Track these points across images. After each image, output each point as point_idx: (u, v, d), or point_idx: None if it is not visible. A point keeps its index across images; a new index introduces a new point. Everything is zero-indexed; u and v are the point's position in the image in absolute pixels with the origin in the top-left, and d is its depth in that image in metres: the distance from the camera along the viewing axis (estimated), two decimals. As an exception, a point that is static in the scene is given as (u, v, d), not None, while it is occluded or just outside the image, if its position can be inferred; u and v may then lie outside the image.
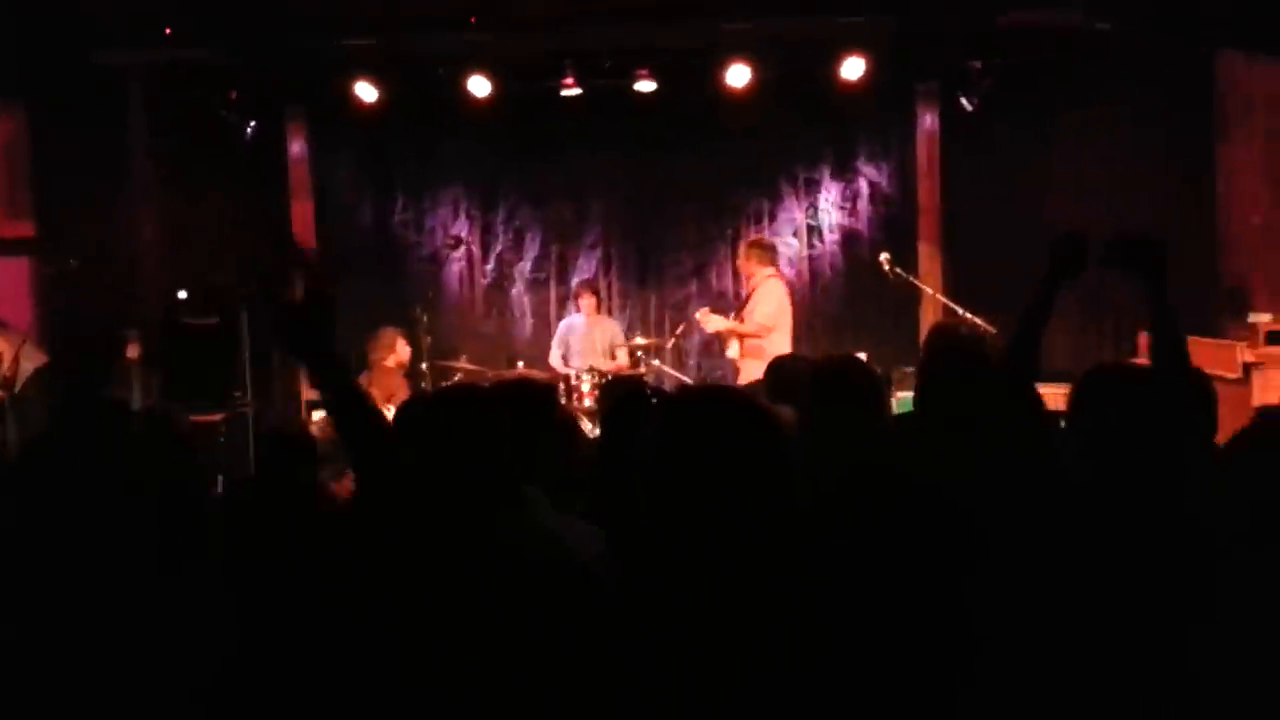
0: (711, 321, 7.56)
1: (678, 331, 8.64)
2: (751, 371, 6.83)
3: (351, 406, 2.38)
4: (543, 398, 3.04)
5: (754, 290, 7.44)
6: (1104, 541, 2.28)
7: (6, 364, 7.41)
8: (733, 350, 7.48)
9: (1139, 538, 2.24)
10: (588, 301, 8.48)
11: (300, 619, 2.35)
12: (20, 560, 2.45)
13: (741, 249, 7.89)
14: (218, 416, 7.71)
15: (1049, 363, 3.89)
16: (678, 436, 2.01)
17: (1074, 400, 2.51)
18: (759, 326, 7.21)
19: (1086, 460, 2.44)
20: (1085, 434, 2.47)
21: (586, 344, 8.36)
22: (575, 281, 9.09)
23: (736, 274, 9.37)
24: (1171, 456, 2.39)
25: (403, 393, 6.89)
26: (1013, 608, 2.21)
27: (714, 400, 2.09)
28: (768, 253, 7.62)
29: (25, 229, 8.55)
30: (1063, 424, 2.56)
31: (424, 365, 8.00)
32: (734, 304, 9.37)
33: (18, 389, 7.32)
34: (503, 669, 2.18)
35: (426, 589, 2.26)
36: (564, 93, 8.28)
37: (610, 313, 9.21)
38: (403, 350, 7.30)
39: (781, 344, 7.08)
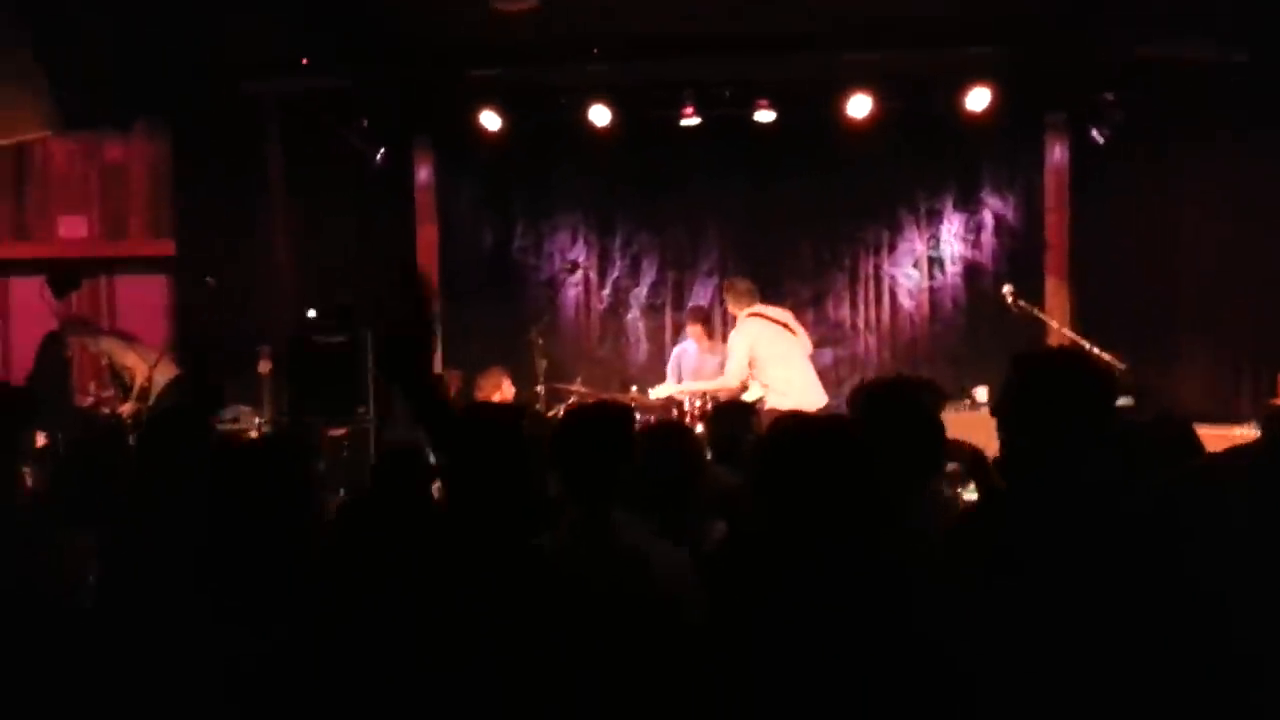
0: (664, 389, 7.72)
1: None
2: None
3: (445, 431, 2.44)
4: (623, 421, 3.05)
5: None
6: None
7: (141, 379, 7.76)
8: (754, 393, 7.36)
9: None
10: (694, 329, 8.49)
11: (408, 630, 2.41)
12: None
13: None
14: (341, 431, 7.93)
15: (1185, 405, 3.75)
16: (773, 461, 2.04)
17: None
18: (730, 390, 7.26)
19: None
20: None
21: (699, 371, 8.37)
22: (686, 310, 9.12)
23: (854, 303, 9.32)
24: None
25: None
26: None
27: (809, 427, 2.11)
28: (744, 295, 7.58)
29: (166, 247, 8.97)
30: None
31: (540, 388, 8.11)
32: (849, 334, 9.33)
33: (152, 400, 7.64)
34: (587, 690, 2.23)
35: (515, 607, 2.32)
36: (683, 122, 8.35)
37: (725, 340, 9.19)
38: (507, 389, 7.42)
39: (785, 378, 7.15)
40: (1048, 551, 2.20)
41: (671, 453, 3.33)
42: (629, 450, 2.94)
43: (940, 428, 3.00)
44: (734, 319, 7.66)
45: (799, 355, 7.46)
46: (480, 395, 7.22)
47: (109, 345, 7.81)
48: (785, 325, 7.56)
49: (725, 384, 7.39)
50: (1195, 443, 3.21)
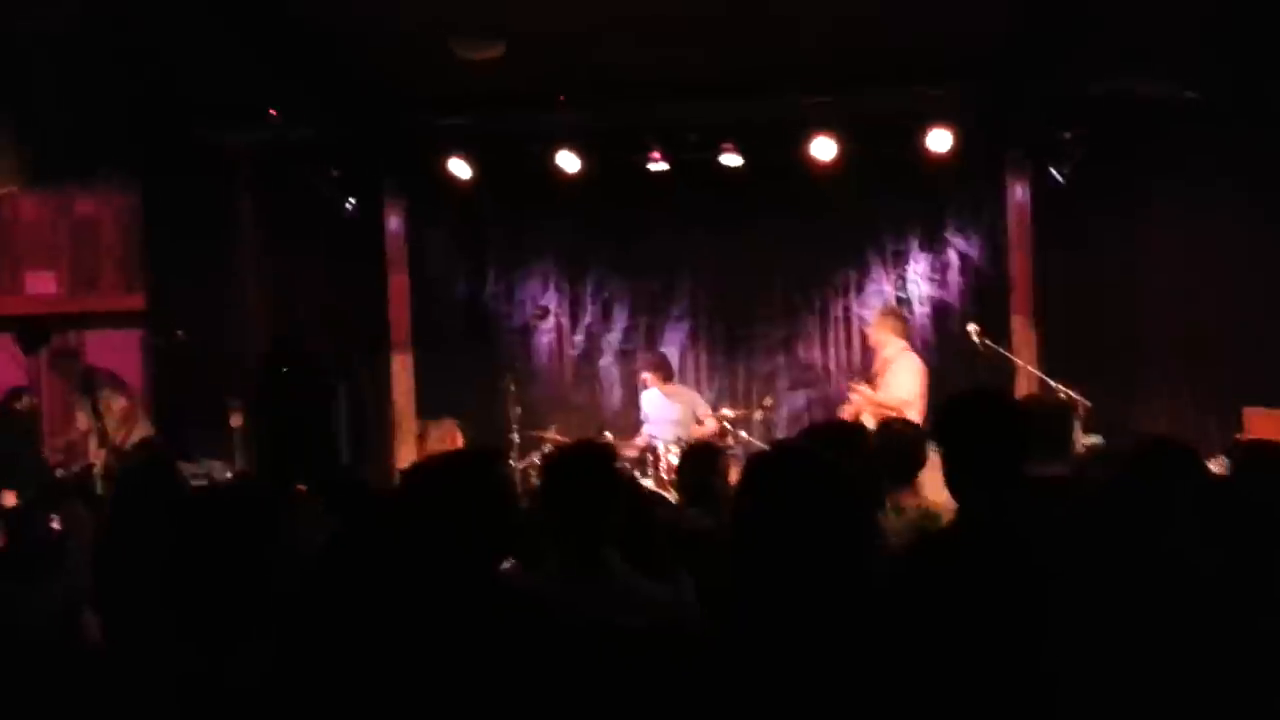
0: (860, 394, 7.34)
1: (765, 403, 8.60)
2: None
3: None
4: (605, 461, 3.07)
5: (889, 362, 7.35)
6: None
7: (122, 424, 7.72)
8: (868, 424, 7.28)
9: None
10: (650, 378, 8.47)
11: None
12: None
13: (874, 317, 7.77)
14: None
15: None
16: (754, 492, 2.07)
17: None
18: (901, 402, 7.02)
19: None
20: None
21: (664, 415, 8.36)
22: (637, 360, 9.11)
23: (825, 345, 9.37)
24: None
25: None
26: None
27: (789, 457, 2.14)
28: (901, 323, 7.54)
29: (136, 301, 8.95)
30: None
31: (514, 435, 8.09)
32: (821, 376, 9.36)
33: (123, 455, 7.60)
34: None
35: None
36: (651, 167, 8.43)
37: (699, 384, 9.23)
38: (457, 440, 7.39)
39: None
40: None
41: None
42: (615, 488, 2.97)
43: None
44: (879, 345, 7.51)
45: None
46: (431, 445, 7.15)
47: (99, 388, 7.76)
48: None
49: (906, 402, 7.06)
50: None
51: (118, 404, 7.70)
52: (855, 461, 2.94)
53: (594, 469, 2.96)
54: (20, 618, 3.37)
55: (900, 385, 7.11)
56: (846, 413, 7.45)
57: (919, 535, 2.93)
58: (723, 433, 8.24)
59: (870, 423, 7.05)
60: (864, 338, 9.22)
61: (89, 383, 7.77)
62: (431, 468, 2.80)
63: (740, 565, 2.07)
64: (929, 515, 3.88)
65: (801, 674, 1.91)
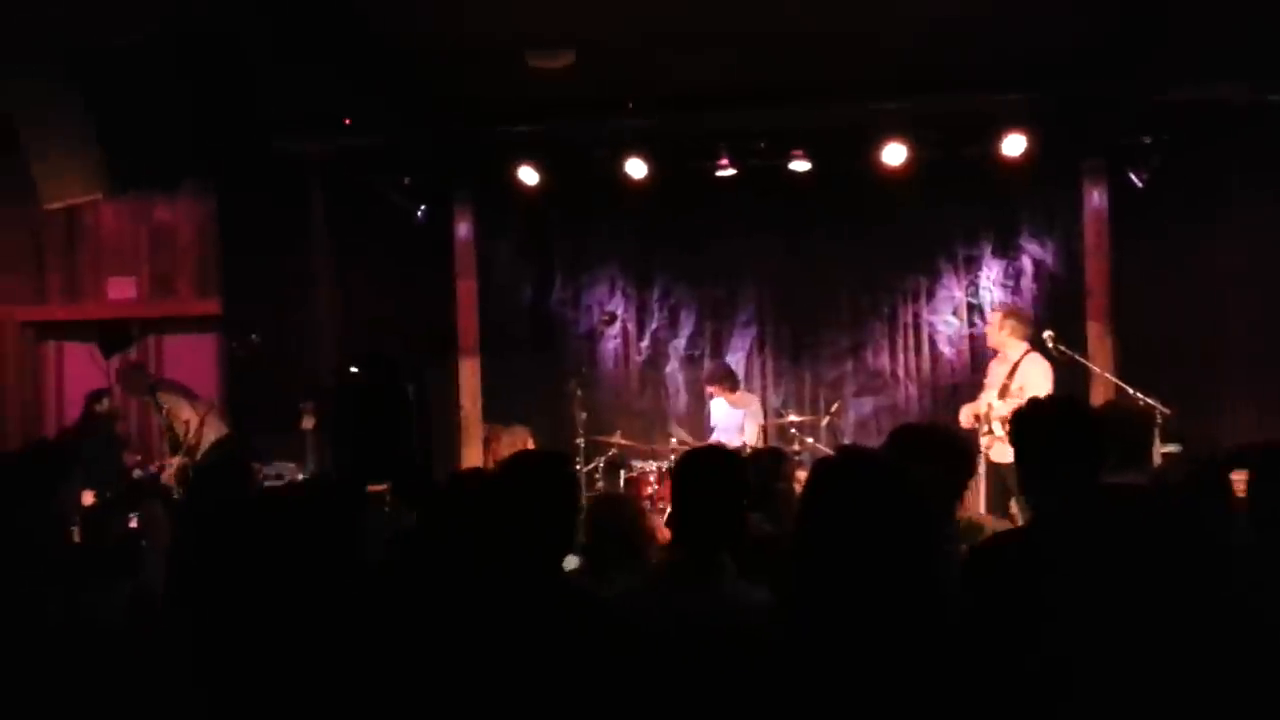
0: (1003, 407, 7.12)
1: (832, 409, 8.56)
2: (1005, 453, 6.62)
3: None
4: (736, 464, 3.07)
5: (1017, 365, 7.23)
6: None
7: (192, 431, 7.88)
8: (998, 430, 7.10)
9: None
10: (714, 389, 8.53)
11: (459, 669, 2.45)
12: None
13: (996, 319, 7.56)
14: (384, 486, 7.98)
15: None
16: (818, 498, 2.05)
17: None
18: None
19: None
20: None
21: (731, 423, 8.40)
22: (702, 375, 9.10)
23: (893, 352, 9.28)
24: None
25: None
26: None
27: (854, 462, 2.12)
28: (1023, 325, 7.41)
29: (212, 306, 9.13)
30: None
31: (580, 440, 8.13)
32: (889, 383, 9.26)
33: (199, 457, 7.75)
34: None
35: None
36: (719, 173, 8.41)
37: (765, 390, 9.20)
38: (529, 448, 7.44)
39: None
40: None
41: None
42: (745, 494, 2.96)
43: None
44: (1000, 346, 7.40)
45: None
46: (503, 451, 7.20)
47: (167, 398, 7.94)
48: None
49: None
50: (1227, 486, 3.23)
51: (185, 413, 7.85)
52: (936, 468, 2.90)
53: (727, 471, 2.96)
54: (96, 614, 3.45)
55: (1036, 386, 6.93)
56: (966, 418, 7.37)
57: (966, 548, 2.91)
58: (789, 440, 8.21)
59: (1000, 430, 7.00)
60: (933, 344, 9.18)
61: (155, 392, 7.96)
62: (505, 467, 2.85)
63: (802, 572, 2.05)
64: (973, 527, 3.85)
65: (860, 683, 1.89)
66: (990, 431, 7.21)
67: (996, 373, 7.42)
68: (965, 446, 3.53)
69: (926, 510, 2.06)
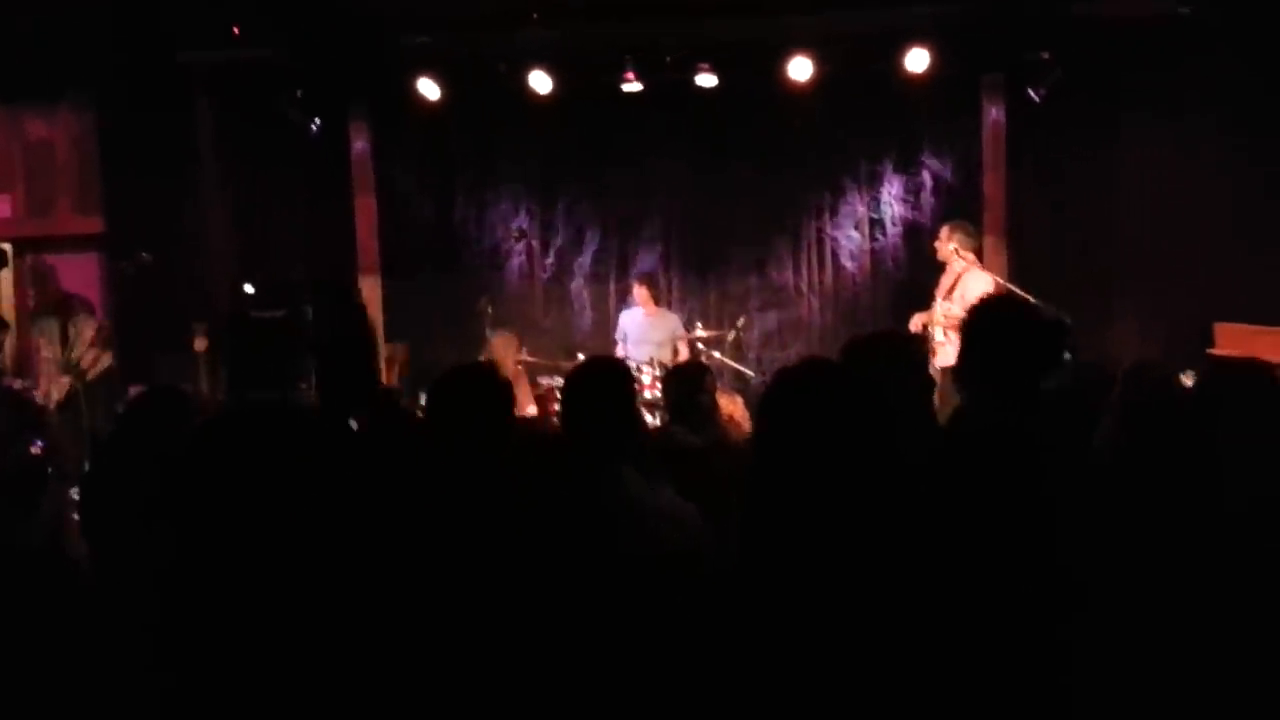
0: (944, 317, 7.20)
1: (738, 324, 8.61)
2: (950, 355, 6.66)
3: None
4: (627, 377, 3.07)
5: (960, 276, 7.28)
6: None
7: (86, 349, 7.57)
8: (939, 335, 7.18)
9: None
10: (642, 293, 8.49)
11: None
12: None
13: (944, 232, 7.52)
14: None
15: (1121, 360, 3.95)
16: (779, 405, 2.02)
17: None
18: None
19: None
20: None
21: (645, 336, 8.37)
22: (631, 275, 9.10)
23: (797, 267, 9.35)
24: None
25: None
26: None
27: (812, 371, 2.10)
28: (969, 238, 7.41)
29: (94, 225, 8.74)
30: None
31: (484, 358, 8.05)
32: (793, 297, 9.34)
33: (89, 377, 7.48)
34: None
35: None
36: (625, 88, 8.27)
37: (670, 306, 9.20)
38: (520, 353, 7.63)
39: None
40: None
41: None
42: (632, 404, 3.00)
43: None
44: (947, 259, 7.41)
45: None
46: (497, 355, 7.27)
47: (77, 313, 7.64)
48: None
49: None
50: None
51: (89, 330, 7.56)
52: (899, 373, 2.93)
53: (617, 384, 2.96)
54: (10, 539, 3.36)
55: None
56: (915, 324, 7.42)
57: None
58: (695, 355, 8.26)
59: (941, 335, 7.10)
60: (835, 258, 9.28)
61: (65, 308, 7.63)
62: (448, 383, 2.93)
63: (757, 485, 2.01)
64: None
65: (823, 599, 1.89)
66: (934, 338, 7.35)
67: (944, 284, 7.54)
68: (919, 349, 3.69)
69: (889, 415, 2.05)
